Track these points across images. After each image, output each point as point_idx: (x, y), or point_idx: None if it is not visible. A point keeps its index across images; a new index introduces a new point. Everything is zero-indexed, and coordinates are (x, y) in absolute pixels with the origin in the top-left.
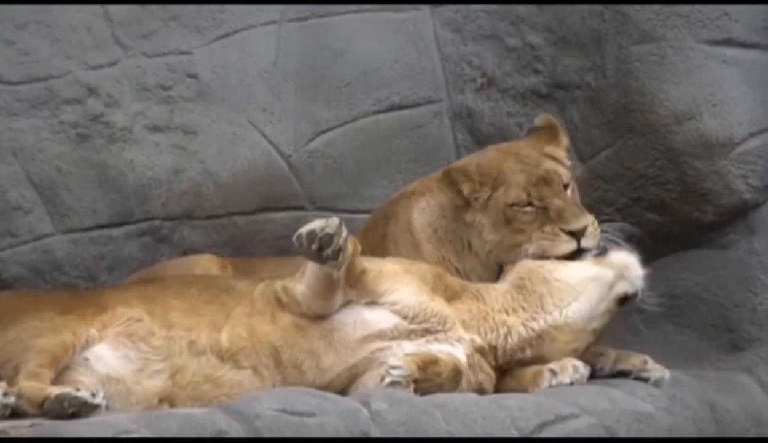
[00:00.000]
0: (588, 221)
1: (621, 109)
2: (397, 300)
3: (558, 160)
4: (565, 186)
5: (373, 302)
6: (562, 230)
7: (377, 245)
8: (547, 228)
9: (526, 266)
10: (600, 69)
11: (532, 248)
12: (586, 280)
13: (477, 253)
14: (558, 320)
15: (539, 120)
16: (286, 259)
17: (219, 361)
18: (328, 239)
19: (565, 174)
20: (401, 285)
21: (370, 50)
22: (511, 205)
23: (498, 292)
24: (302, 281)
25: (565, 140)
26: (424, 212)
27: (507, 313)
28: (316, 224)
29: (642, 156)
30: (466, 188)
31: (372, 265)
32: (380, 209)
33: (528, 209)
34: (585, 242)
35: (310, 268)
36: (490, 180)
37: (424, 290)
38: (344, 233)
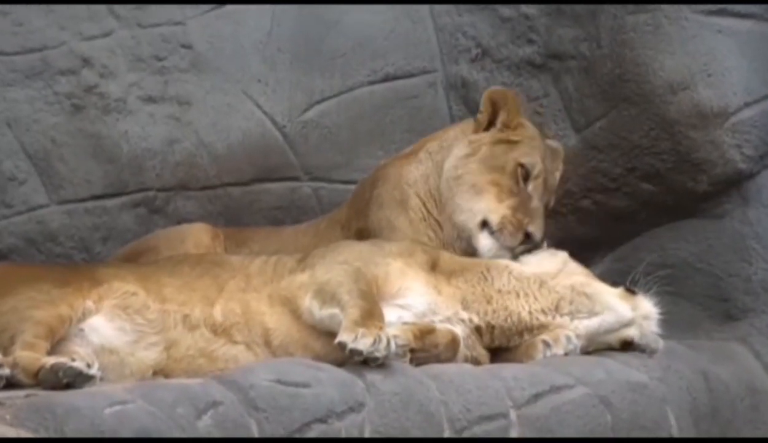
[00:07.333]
0: (538, 241)
1: (615, 79)
2: (407, 303)
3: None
4: (547, 207)
5: (382, 300)
6: (523, 228)
7: (362, 209)
8: (519, 214)
9: (559, 266)
10: (594, 39)
11: (493, 219)
12: (608, 307)
13: (442, 171)
14: (565, 324)
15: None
16: (277, 229)
17: (213, 335)
18: (374, 360)
19: (552, 199)
20: (409, 281)
21: (364, 21)
22: (521, 165)
23: (512, 274)
24: (319, 305)
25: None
26: (420, 165)
27: (517, 296)
28: (362, 344)
29: (636, 126)
30: (503, 115)
31: (377, 269)
32: (369, 176)
33: (521, 184)
34: (518, 250)
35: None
36: (522, 131)
37: (430, 282)
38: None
